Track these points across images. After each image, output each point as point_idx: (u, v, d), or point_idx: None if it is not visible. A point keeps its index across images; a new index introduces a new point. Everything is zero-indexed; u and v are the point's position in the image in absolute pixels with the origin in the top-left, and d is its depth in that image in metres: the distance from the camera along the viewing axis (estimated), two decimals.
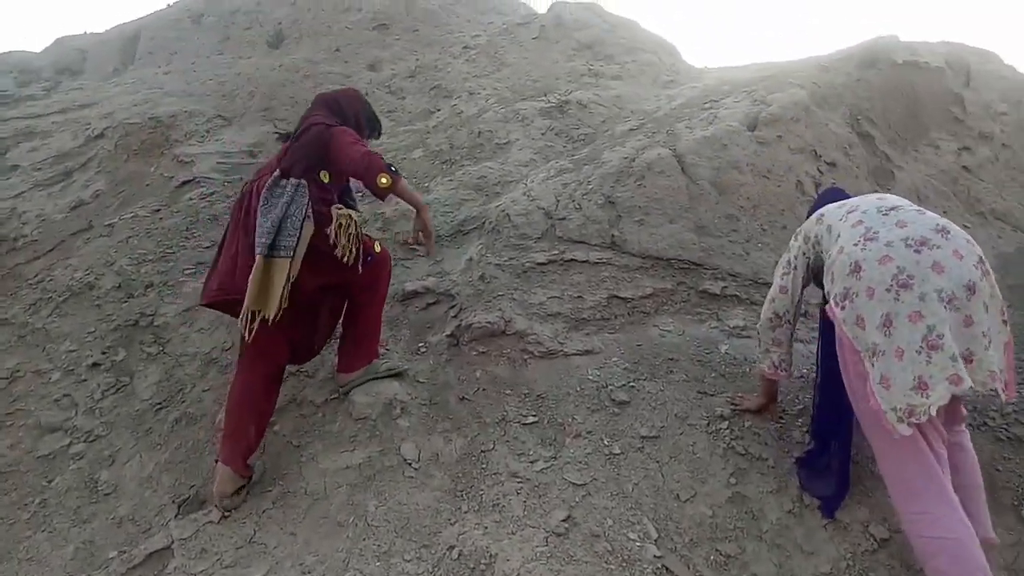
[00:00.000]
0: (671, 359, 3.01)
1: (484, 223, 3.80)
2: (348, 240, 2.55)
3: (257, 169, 2.72)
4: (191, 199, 4.52)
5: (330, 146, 2.51)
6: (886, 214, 1.98)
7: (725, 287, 3.31)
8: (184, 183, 4.69)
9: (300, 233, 2.41)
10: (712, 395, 2.80)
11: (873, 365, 1.83)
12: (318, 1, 6.28)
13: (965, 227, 4.21)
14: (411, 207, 2.67)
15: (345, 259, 2.55)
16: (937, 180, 4.38)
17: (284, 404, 2.98)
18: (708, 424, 2.66)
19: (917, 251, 1.82)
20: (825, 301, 2.10)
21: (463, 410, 2.84)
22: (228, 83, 5.89)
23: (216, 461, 2.64)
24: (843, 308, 1.91)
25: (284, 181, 2.47)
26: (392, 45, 5.76)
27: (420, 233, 2.70)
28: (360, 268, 2.65)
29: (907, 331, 1.76)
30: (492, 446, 2.66)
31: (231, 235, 2.57)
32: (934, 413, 1.75)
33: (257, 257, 2.35)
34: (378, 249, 2.85)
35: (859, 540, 2.22)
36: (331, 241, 2.51)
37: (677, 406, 2.75)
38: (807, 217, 2.44)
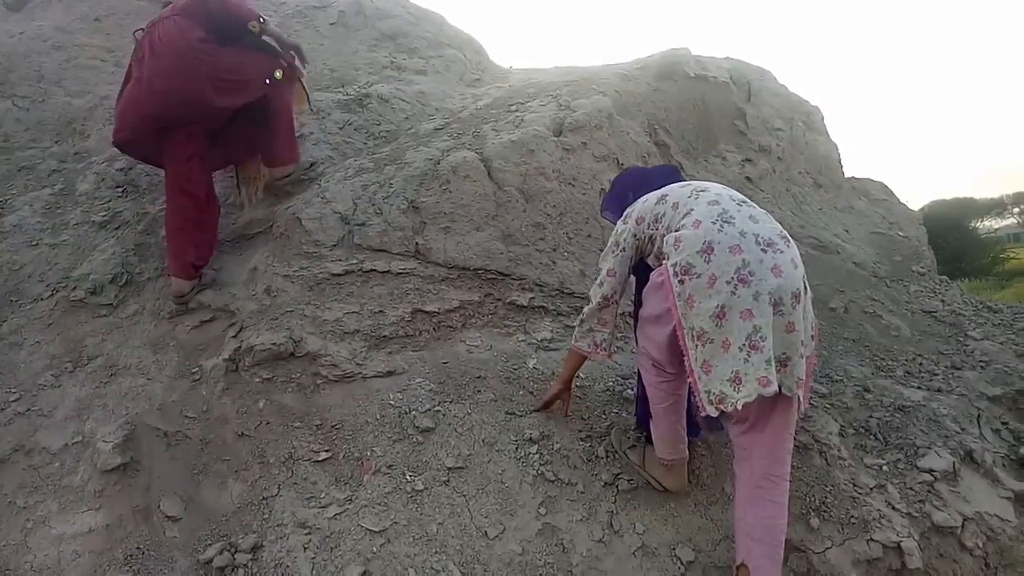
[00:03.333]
0: (479, 377, 2.81)
1: (272, 227, 3.37)
2: None
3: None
4: None
5: None
6: (739, 205, 2.04)
7: (532, 298, 3.19)
8: None
9: None
10: (521, 415, 2.65)
11: (696, 347, 1.91)
12: None
13: None
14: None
15: None
16: None
17: (7, 454, 2.39)
18: (517, 448, 2.49)
19: (764, 250, 1.89)
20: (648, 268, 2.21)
21: (243, 449, 2.45)
22: None
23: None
24: (681, 281, 1.93)
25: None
26: None
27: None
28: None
29: (737, 327, 1.83)
30: (276, 491, 2.31)
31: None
32: (739, 407, 1.83)
33: None
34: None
35: (667, 564, 2.17)
36: None
37: (485, 430, 2.56)
38: (617, 191, 2.54)
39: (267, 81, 3.19)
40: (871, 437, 2.86)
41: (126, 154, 3.29)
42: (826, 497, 2.47)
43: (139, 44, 3.01)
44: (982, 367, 3.46)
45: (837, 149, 6.08)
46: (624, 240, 2.26)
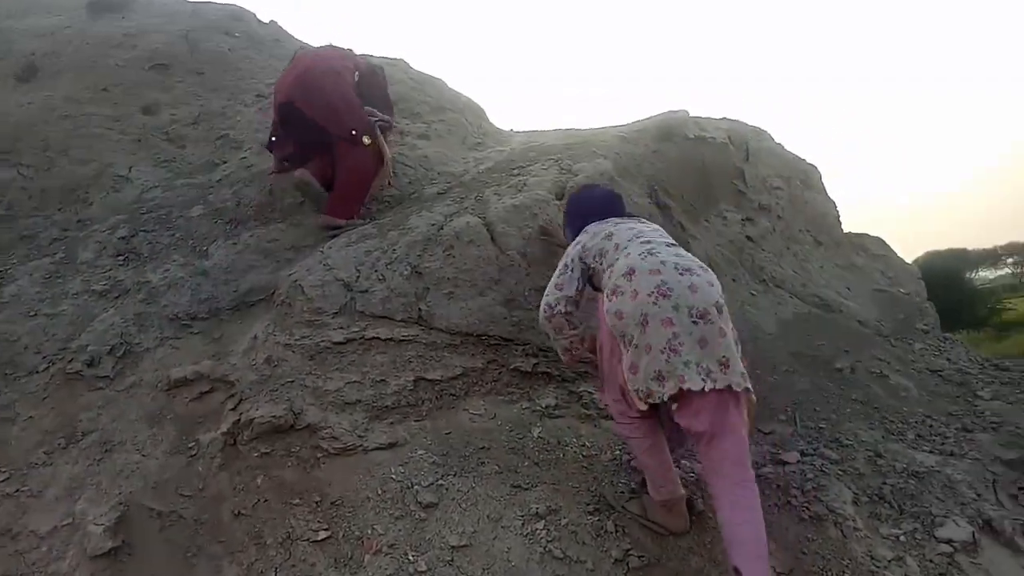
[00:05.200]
0: (482, 448, 2.74)
1: (273, 294, 3.34)
2: None
3: None
4: None
5: None
6: (668, 245, 2.38)
7: (536, 364, 3.14)
8: None
9: None
10: (527, 488, 2.57)
11: (626, 352, 2.19)
12: (82, 34, 5.47)
13: (751, 295, 4.47)
14: None
15: None
16: (726, 249, 4.62)
17: None
18: (523, 525, 2.41)
19: (681, 274, 2.17)
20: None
21: (239, 529, 2.36)
22: None
23: None
24: (611, 301, 2.24)
25: None
26: (172, 88, 5.10)
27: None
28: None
29: (658, 333, 2.09)
30: (273, 575, 2.21)
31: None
32: (666, 399, 2.08)
33: None
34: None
35: None
36: None
37: (489, 505, 2.47)
38: (571, 215, 2.88)
39: (352, 132, 3.74)
40: (885, 505, 2.77)
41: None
42: (843, 572, 2.37)
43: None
44: (994, 429, 3.38)
45: (835, 206, 6.12)
46: (572, 262, 2.54)
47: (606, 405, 2.56)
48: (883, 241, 6.76)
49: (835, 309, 4.86)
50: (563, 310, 2.51)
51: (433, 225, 3.44)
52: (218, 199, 4.15)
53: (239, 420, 2.66)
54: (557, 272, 2.58)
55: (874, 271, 5.96)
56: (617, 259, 2.35)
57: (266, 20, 6.26)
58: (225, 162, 4.60)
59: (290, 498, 2.46)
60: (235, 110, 5.08)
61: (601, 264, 2.44)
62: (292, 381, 2.81)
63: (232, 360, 3.00)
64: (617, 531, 2.43)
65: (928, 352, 4.56)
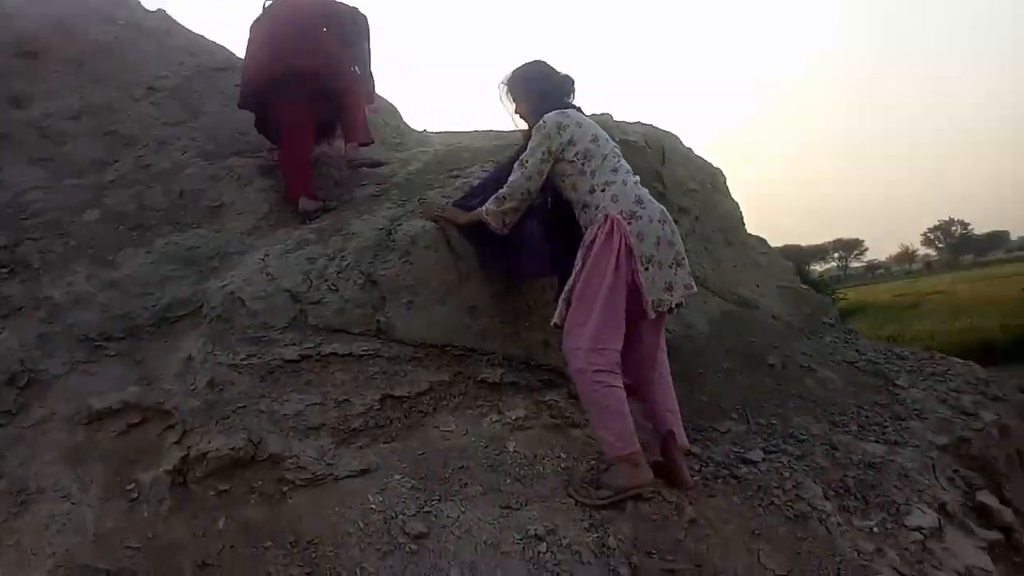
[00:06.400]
0: (461, 467, 2.56)
1: (201, 307, 2.97)
2: None
3: None
4: None
5: None
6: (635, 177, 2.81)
7: (503, 374, 2.99)
8: None
9: None
10: (517, 508, 2.41)
11: (647, 269, 2.54)
12: None
13: None
14: None
15: None
16: None
17: None
18: (524, 549, 2.25)
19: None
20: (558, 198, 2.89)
21: None
22: None
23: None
24: (630, 222, 2.55)
25: None
26: (46, 78, 4.45)
27: None
28: None
29: (667, 252, 2.61)
30: None
31: None
32: (673, 306, 2.68)
33: None
34: None
35: None
36: None
37: (485, 530, 2.29)
38: (539, 83, 2.92)
39: (354, 69, 4.04)
40: (851, 497, 2.87)
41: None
42: (837, 569, 2.41)
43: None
44: (919, 416, 3.62)
45: (739, 207, 6.38)
46: (555, 151, 2.70)
47: (573, 350, 2.56)
48: (764, 240, 7.14)
49: (752, 306, 5.05)
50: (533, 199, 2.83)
51: (380, 230, 3.20)
52: (116, 202, 3.65)
53: (187, 455, 2.31)
54: (539, 156, 2.70)
55: (775, 268, 6.28)
56: (612, 181, 2.65)
57: (152, 8, 5.64)
58: (117, 161, 4.06)
59: (260, 541, 2.16)
60: (123, 104, 4.50)
61: (582, 167, 2.68)
62: (244, 407, 2.49)
63: (164, 385, 2.61)
64: (619, 546, 2.33)
65: (838, 344, 4.82)
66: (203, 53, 5.35)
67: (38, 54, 4.61)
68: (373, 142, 4.11)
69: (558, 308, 2.67)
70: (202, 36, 5.73)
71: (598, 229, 2.57)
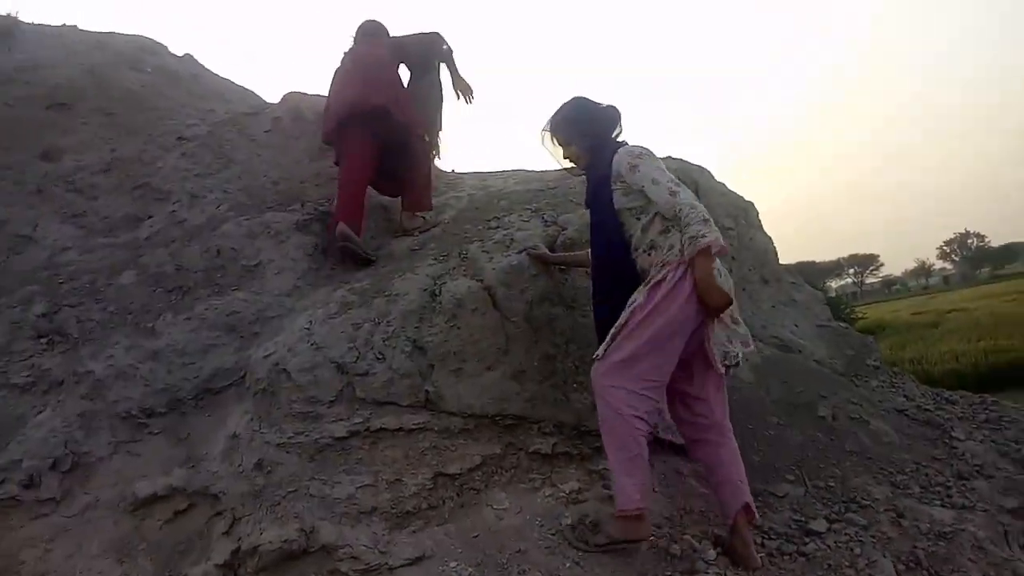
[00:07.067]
0: (519, 551, 2.44)
1: (244, 377, 2.89)
2: None
3: None
4: None
5: None
6: None
7: (555, 444, 2.88)
8: None
9: None
10: None
11: (719, 323, 2.49)
12: None
13: None
14: None
15: None
16: None
17: None
18: None
19: None
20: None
21: None
22: None
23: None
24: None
25: None
26: (76, 130, 4.43)
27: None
28: None
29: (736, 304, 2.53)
30: None
31: None
32: (739, 359, 2.66)
33: None
34: None
35: None
36: None
37: None
38: (579, 124, 2.78)
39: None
40: (924, 572, 2.72)
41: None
42: None
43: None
44: (982, 474, 3.46)
45: (772, 241, 6.25)
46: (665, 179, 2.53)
47: (610, 387, 2.38)
48: (795, 271, 7.00)
49: (793, 349, 4.90)
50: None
51: (424, 290, 3.11)
52: (153, 262, 3.59)
53: (238, 548, 2.21)
54: (671, 176, 2.55)
55: (811, 304, 6.13)
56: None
57: (179, 54, 5.64)
58: (151, 216, 4.02)
59: None
60: (153, 155, 4.47)
61: (644, 206, 2.56)
62: (295, 490, 2.39)
63: (210, 466, 2.53)
64: None
65: (886, 389, 4.67)
66: (233, 98, 5.35)
67: (69, 105, 4.59)
68: (432, 210, 4.13)
69: (605, 341, 2.49)
70: (230, 80, 5.72)
71: (671, 271, 2.38)
